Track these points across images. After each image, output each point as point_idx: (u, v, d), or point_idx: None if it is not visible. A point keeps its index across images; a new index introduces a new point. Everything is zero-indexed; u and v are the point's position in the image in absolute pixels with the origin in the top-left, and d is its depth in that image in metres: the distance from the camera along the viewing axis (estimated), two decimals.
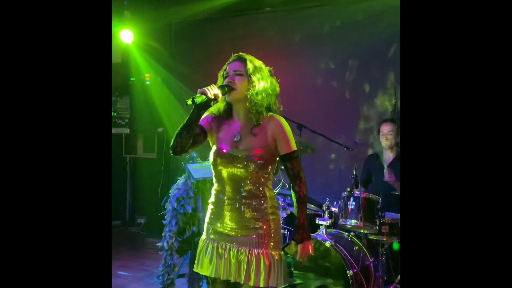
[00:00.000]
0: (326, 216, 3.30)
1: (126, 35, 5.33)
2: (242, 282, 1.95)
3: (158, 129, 5.56)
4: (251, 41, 4.70)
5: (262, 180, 2.02)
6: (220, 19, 5.15)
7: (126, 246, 5.33)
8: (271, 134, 2.01)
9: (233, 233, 2.00)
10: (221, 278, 1.99)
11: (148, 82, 5.53)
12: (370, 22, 4.27)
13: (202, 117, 2.03)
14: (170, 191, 3.44)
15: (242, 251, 1.97)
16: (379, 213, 3.14)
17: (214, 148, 2.08)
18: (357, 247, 3.28)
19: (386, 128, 3.69)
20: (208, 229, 2.10)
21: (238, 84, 2.01)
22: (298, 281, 3.14)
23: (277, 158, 2.07)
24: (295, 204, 2.04)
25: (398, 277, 3.22)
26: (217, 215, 2.06)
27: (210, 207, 2.12)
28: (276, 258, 1.97)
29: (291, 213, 3.41)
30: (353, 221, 3.14)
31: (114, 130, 5.82)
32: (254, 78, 2.02)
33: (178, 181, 3.45)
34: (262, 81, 2.03)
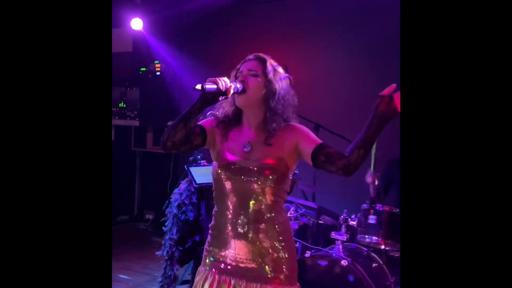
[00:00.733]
0: (342, 229, 2.96)
1: (136, 23, 5.14)
2: None
3: (168, 122, 5.32)
4: (267, 31, 4.39)
5: (277, 198, 1.69)
6: (234, 7, 4.82)
7: (132, 243, 5.12)
8: (290, 141, 1.68)
9: (240, 265, 1.66)
10: None
11: (158, 73, 5.29)
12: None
13: (205, 119, 1.73)
14: (171, 196, 3.14)
15: None
16: None
17: (216, 158, 1.75)
18: (376, 264, 2.95)
19: None
20: (207, 258, 1.75)
21: (252, 85, 1.68)
22: None
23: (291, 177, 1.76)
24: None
25: None
26: (219, 242, 1.71)
27: (210, 232, 1.78)
28: None
29: (304, 224, 3.09)
30: (374, 238, 2.81)
31: (123, 123, 5.67)
32: (274, 82, 1.69)
33: (180, 185, 3.13)
34: (282, 88, 1.71)
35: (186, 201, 3.02)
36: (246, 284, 1.64)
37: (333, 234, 2.92)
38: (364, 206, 2.90)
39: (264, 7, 4.76)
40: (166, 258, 3.06)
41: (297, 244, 3.08)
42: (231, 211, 1.67)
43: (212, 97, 1.60)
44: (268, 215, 1.66)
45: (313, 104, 3.94)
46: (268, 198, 1.66)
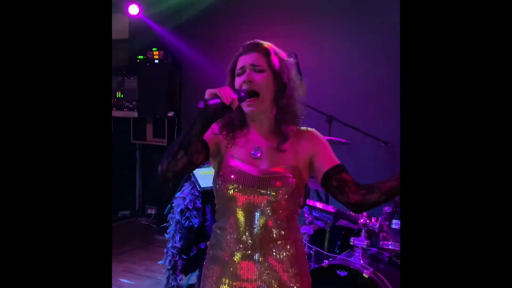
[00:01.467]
0: (362, 235, 2.69)
1: (134, 9, 4.89)
2: None
3: (168, 113, 5.04)
4: (273, 16, 4.07)
5: (291, 213, 1.45)
6: None
7: (134, 241, 4.90)
8: (306, 151, 1.45)
9: None
10: None
11: (157, 61, 4.99)
12: None
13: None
14: (173, 199, 2.86)
15: None
16: None
17: (218, 167, 1.48)
18: (399, 272, 2.71)
19: None
20: (206, 282, 1.49)
21: (262, 84, 1.40)
22: None
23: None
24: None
25: None
26: (221, 265, 1.46)
27: (209, 252, 1.52)
28: None
29: (320, 228, 2.83)
30: (398, 245, 2.56)
31: (121, 114, 5.42)
32: (282, 74, 1.42)
33: (183, 188, 2.85)
34: (291, 80, 1.44)
35: (189, 206, 2.74)
36: None
37: (353, 241, 2.66)
38: (387, 209, 2.63)
39: None
40: (168, 267, 2.80)
41: (312, 251, 2.82)
42: (237, 228, 1.42)
43: (215, 113, 1.30)
44: (283, 232, 1.43)
45: (325, 94, 3.66)
46: (285, 212, 1.42)
